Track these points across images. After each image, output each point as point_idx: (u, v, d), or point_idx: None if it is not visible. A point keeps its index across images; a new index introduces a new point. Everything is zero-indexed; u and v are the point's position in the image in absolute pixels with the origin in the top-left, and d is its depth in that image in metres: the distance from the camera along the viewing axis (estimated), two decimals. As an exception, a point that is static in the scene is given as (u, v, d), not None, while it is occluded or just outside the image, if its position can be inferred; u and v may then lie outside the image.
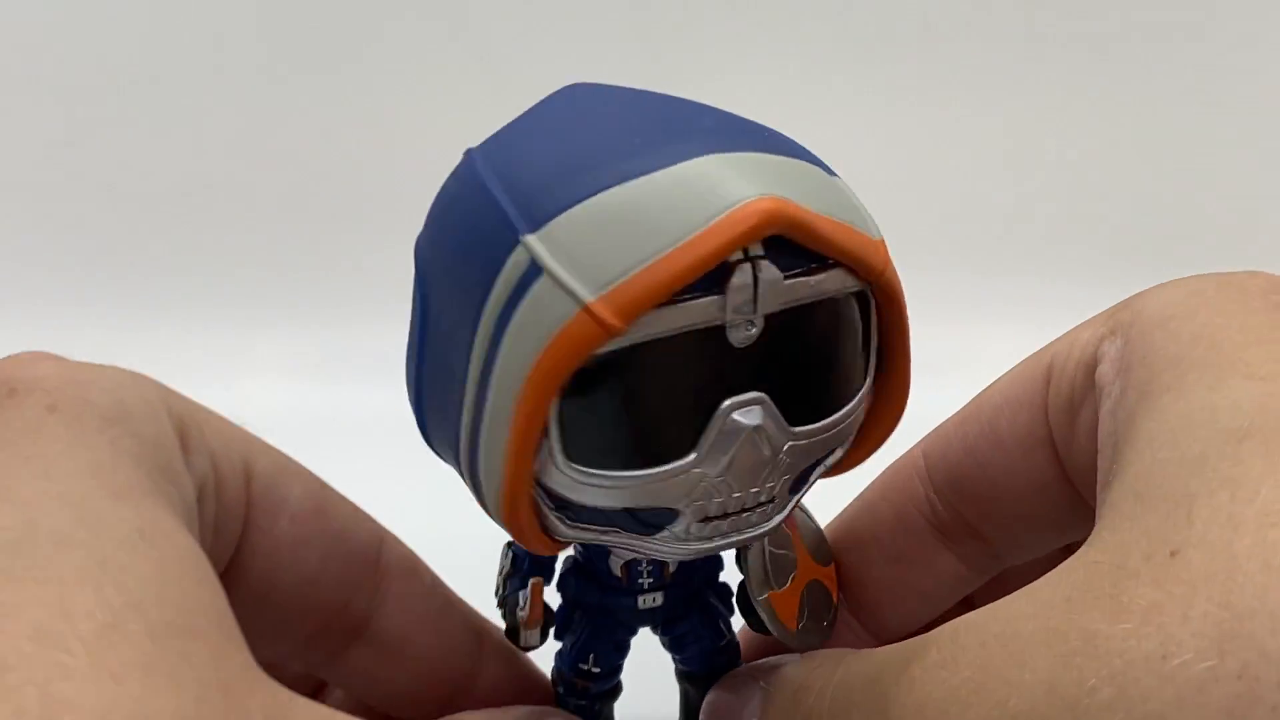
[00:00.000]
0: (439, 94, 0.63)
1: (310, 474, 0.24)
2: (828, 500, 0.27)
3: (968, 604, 0.27)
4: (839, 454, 0.23)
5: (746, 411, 0.20)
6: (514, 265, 0.19)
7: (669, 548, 0.22)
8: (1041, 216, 0.64)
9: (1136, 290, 0.23)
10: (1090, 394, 0.22)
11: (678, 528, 0.21)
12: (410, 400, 0.23)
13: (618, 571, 0.26)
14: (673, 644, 0.27)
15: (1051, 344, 0.24)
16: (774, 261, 0.19)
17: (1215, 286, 0.21)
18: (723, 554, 0.26)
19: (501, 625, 0.26)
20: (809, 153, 0.21)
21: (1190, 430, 0.18)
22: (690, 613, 0.27)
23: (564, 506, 0.21)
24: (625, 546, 0.22)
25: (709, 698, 0.26)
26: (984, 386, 0.27)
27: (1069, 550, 0.26)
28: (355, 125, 0.63)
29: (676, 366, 0.20)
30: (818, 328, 0.21)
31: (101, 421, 0.19)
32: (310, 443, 0.27)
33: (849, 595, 0.28)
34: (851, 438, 0.23)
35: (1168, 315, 0.21)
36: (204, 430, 0.21)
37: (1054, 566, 0.27)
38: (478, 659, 0.26)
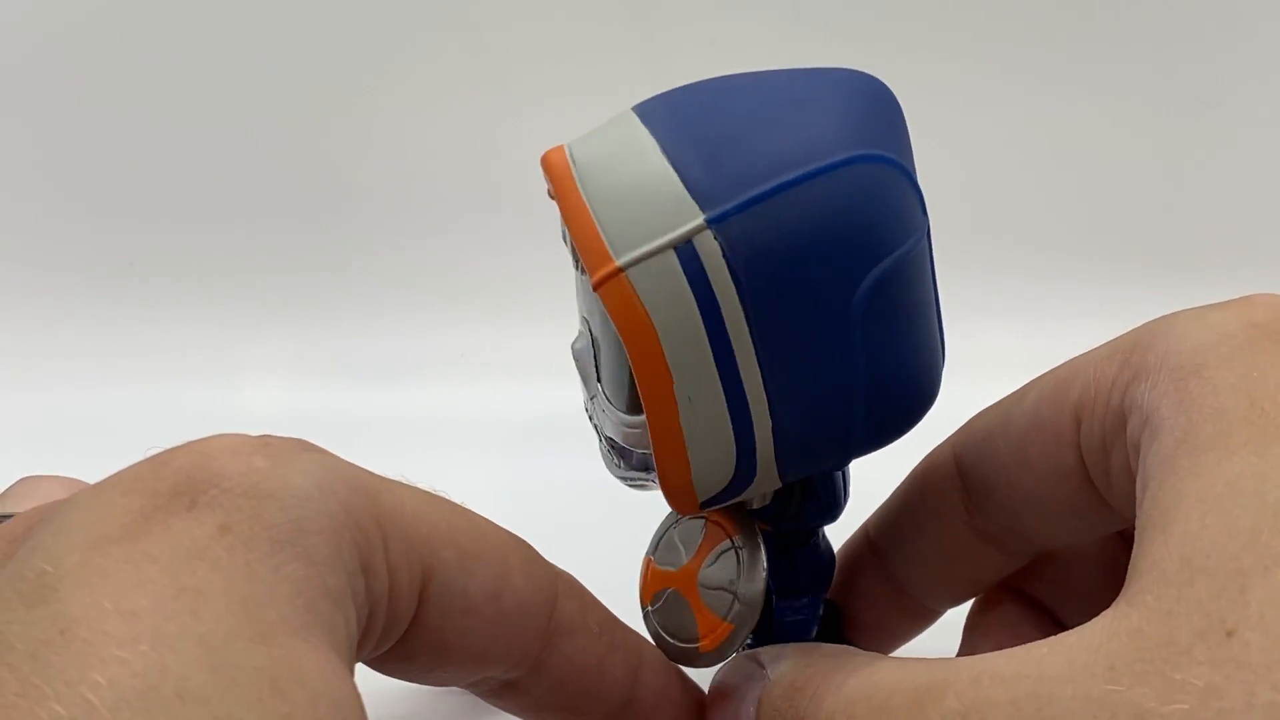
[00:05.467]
0: (440, 95, 0.63)
1: (495, 549, 0.23)
2: (859, 496, 0.28)
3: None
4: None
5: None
6: None
7: None
8: (1045, 217, 0.64)
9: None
10: (1122, 437, 0.22)
11: None
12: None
13: None
14: None
15: (1073, 371, 0.24)
16: None
17: (1241, 328, 0.21)
18: None
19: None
20: None
21: (1239, 499, 0.18)
22: None
23: None
24: None
25: (717, 675, 0.26)
26: (985, 385, 0.28)
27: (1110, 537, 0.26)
28: (358, 125, 0.63)
29: None
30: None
31: (271, 545, 0.18)
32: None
33: (897, 582, 0.29)
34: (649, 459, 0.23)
35: (1200, 363, 0.21)
36: (388, 537, 0.20)
37: (1094, 552, 0.28)
38: (636, 680, 0.26)
